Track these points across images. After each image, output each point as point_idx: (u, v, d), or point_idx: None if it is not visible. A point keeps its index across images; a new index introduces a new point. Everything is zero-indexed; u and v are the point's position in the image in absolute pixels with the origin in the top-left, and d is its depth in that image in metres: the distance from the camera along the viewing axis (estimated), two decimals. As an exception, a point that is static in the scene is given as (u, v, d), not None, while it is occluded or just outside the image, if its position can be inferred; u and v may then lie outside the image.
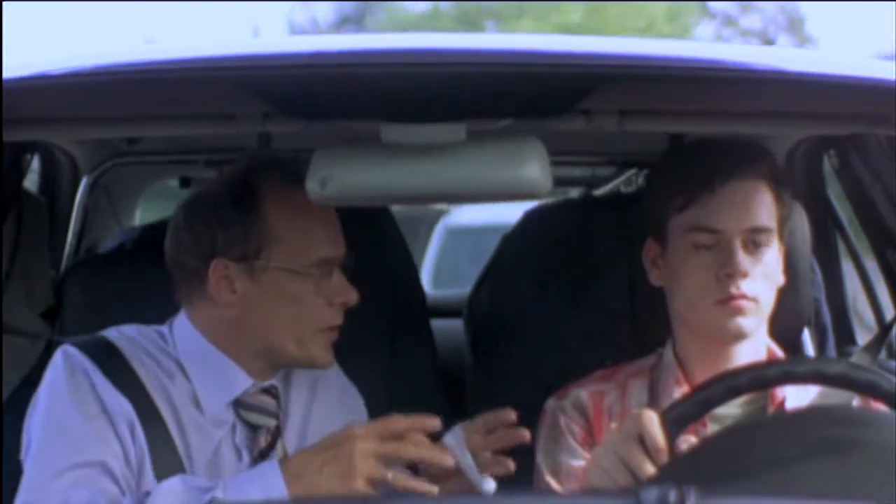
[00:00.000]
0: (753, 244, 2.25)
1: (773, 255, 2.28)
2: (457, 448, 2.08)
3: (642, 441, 1.95)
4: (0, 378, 2.53)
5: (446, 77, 1.81)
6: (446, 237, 8.43)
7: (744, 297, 2.23)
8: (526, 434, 2.12)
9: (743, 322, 2.24)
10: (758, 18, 21.04)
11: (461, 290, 3.59)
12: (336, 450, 2.01)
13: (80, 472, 2.09)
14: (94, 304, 2.67)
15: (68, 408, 2.14)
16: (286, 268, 2.17)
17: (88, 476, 2.09)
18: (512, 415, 2.11)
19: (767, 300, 2.27)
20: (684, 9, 20.10)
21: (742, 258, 2.23)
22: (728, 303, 2.23)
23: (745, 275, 2.22)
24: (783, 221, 2.31)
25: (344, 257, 2.23)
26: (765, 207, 2.27)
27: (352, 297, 2.21)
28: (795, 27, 20.38)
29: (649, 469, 1.93)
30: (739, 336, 2.26)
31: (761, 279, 2.25)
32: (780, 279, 2.31)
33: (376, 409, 2.50)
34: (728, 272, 2.22)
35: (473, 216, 8.19)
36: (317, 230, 2.20)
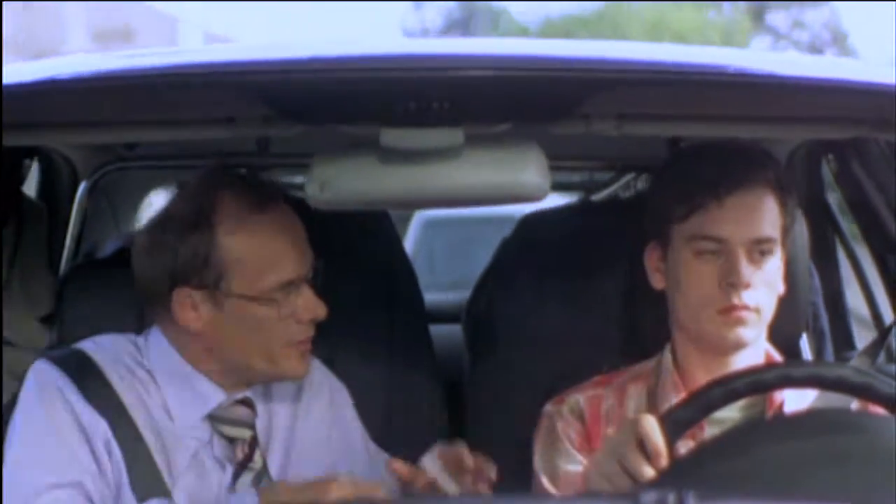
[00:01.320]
0: (758, 254, 2.23)
1: (775, 264, 2.26)
2: (434, 470, 2.09)
3: (642, 446, 1.95)
4: (0, 387, 2.53)
5: (445, 82, 1.81)
6: (422, 230, 8.40)
7: (746, 307, 2.22)
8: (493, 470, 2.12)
9: (743, 333, 2.23)
10: (806, 34, 21.62)
11: (458, 294, 3.59)
12: (314, 489, 2.02)
13: (57, 494, 2.08)
14: (93, 309, 2.66)
15: (42, 428, 2.12)
16: (247, 295, 2.15)
17: (65, 499, 2.08)
18: (470, 461, 2.10)
19: (768, 309, 2.26)
20: (739, 26, 20.47)
21: (745, 268, 2.21)
22: (730, 313, 2.22)
23: (747, 285, 2.21)
24: (787, 230, 2.29)
25: (311, 270, 2.20)
26: (770, 217, 2.25)
27: (320, 311, 2.18)
28: (839, 41, 20.85)
29: (649, 473, 1.93)
30: (739, 346, 2.25)
31: (763, 289, 2.24)
32: (781, 287, 2.30)
33: (375, 414, 2.50)
34: (731, 282, 2.21)
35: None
36: (276, 253, 2.16)
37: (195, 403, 2.19)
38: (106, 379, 2.17)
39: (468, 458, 2.09)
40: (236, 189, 2.18)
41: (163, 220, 2.20)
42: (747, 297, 2.21)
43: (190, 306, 2.15)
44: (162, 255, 2.16)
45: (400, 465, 2.07)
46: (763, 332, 2.30)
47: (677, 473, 1.83)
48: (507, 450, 2.39)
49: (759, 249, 2.23)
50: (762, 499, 1.50)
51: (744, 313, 2.22)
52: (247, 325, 2.16)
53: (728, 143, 2.33)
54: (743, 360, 2.27)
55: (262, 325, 2.16)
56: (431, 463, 2.10)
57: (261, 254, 2.15)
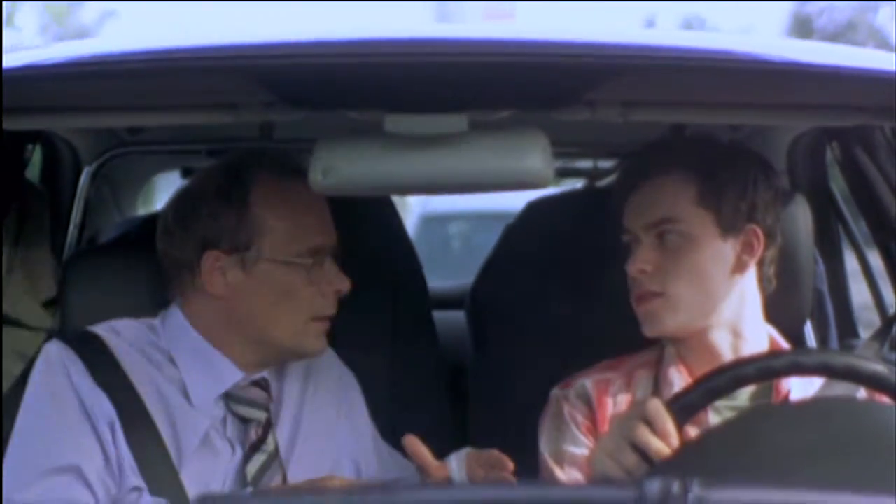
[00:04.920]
0: (667, 236, 2.27)
1: (700, 250, 2.26)
2: (456, 469, 2.11)
3: (649, 424, 1.96)
4: (0, 370, 2.53)
5: (449, 67, 1.80)
6: (421, 225, 8.37)
7: (649, 293, 2.26)
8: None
9: (655, 320, 2.27)
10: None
11: (462, 280, 3.59)
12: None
13: (53, 481, 2.09)
14: (96, 295, 2.66)
15: (46, 409, 2.14)
16: (277, 258, 2.18)
17: (60, 485, 2.09)
18: (510, 464, 2.11)
19: (688, 295, 2.25)
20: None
21: (645, 253, 2.27)
22: (639, 301, 2.29)
23: (641, 270, 2.26)
24: (719, 211, 2.26)
25: (335, 245, 2.23)
26: (673, 199, 2.27)
27: (344, 284, 2.22)
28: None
29: (657, 445, 1.93)
30: (658, 332, 2.29)
31: (672, 273, 2.25)
32: (717, 272, 2.27)
33: (379, 400, 2.50)
34: (630, 270, 2.28)
35: (449, 202, 8.13)
36: (306, 219, 2.21)
37: (212, 381, 2.20)
38: (116, 360, 2.18)
39: (507, 461, 2.10)
40: (269, 159, 2.24)
41: (196, 188, 2.24)
42: (649, 282, 2.26)
43: (219, 271, 2.18)
44: (194, 221, 2.20)
45: (417, 443, 2.08)
46: (687, 322, 2.28)
47: (681, 461, 1.83)
48: (509, 436, 2.39)
49: (657, 231, 2.27)
50: (767, 487, 1.50)
51: (648, 300, 2.27)
52: (274, 290, 2.18)
53: (653, 140, 2.46)
54: (737, 345, 2.28)
55: (289, 292, 2.18)
56: (455, 462, 2.11)
57: (292, 218, 2.20)
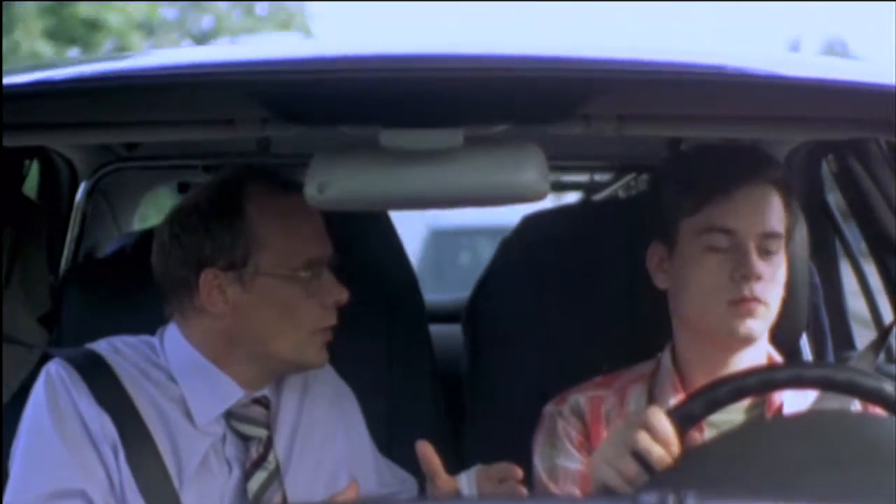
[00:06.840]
0: (766, 249, 2.25)
1: (781, 263, 2.28)
2: (466, 485, 2.12)
3: (649, 430, 1.96)
4: (0, 386, 2.53)
5: (445, 82, 1.81)
6: (430, 239, 8.32)
7: (756, 300, 2.22)
8: (523, 491, 2.13)
9: (753, 325, 2.23)
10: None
11: (458, 294, 3.59)
12: None
13: None
14: (92, 309, 2.67)
15: (50, 432, 2.12)
16: (276, 273, 2.17)
17: None
18: (519, 472, 2.11)
19: (775, 306, 2.27)
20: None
21: (756, 261, 2.23)
22: (741, 304, 2.23)
23: (759, 277, 2.22)
24: (790, 230, 2.31)
25: (331, 256, 2.23)
26: (776, 213, 2.27)
27: (343, 295, 2.21)
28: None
29: (658, 452, 1.93)
30: (748, 339, 2.25)
31: (772, 284, 2.25)
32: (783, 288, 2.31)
33: (375, 413, 2.50)
34: (744, 273, 2.22)
35: (455, 218, 8.10)
36: (302, 232, 2.20)
37: (214, 399, 2.19)
38: (118, 380, 2.16)
39: (516, 471, 2.11)
40: (262, 175, 2.23)
41: (190, 206, 2.22)
42: (759, 289, 2.22)
43: (218, 289, 2.17)
44: (190, 240, 2.19)
45: (429, 449, 2.08)
46: (766, 330, 2.30)
47: (677, 473, 1.83)
48: (505, 450, 2.39)
49: (766, 246, 2.25)
50: (762, 499, 1.50)
51: (753, 305, 2.23)
52: (274, 305, 2.17)
53: (731, 142, 2.36)
54: (745, 359, 2.27)
55: (290, 306, 2.18)
56: (466, 479, 2.12)
57: (288, 232, 2.19)
